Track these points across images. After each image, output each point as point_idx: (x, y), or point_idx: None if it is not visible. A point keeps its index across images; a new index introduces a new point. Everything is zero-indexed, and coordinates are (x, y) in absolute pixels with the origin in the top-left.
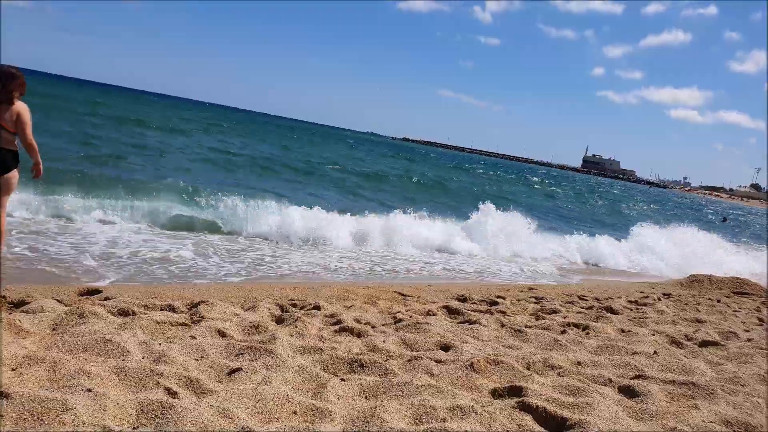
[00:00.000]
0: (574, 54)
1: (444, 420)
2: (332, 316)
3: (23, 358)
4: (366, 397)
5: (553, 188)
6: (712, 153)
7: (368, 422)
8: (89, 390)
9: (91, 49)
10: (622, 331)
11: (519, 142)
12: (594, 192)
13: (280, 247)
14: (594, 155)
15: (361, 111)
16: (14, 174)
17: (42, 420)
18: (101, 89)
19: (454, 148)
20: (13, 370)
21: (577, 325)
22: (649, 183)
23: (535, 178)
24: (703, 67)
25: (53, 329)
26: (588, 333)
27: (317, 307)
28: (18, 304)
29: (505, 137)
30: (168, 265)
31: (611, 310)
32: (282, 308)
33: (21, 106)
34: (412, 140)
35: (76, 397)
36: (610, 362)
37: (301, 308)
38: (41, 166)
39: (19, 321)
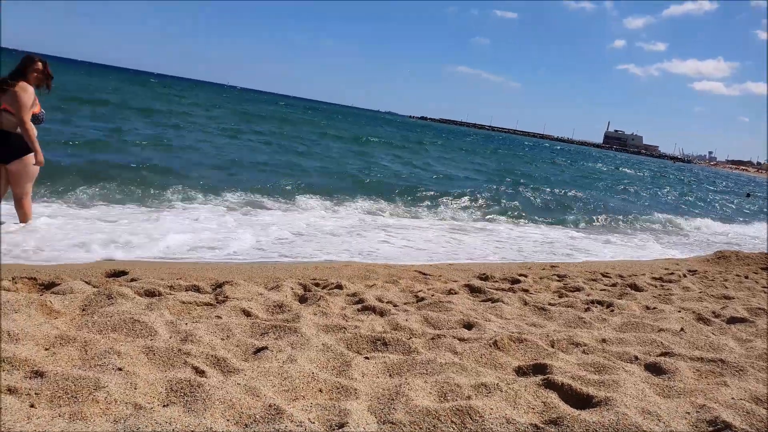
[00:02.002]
0: (593, 26)
1: (469, 397)
2: (354, 295)
3: (55, 338)
4: (390, 375)
5: (623, 169)
6: (739, 126)
7: (393, 400)
8: (120, 369)
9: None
10: (647, 308)
11: (539, 119)
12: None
13: None
14: (616, 131)
15: (378, 91)
16: (25, 159)
17: (76, 398)
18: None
19: (474, 125)
20: (46, 349)
21: (600, 303)
22: (673, 158)
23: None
24: (729, 37)
25: (83, 310)
26: (612, 310)
27: (339, 287)
28: (48, 286)
29: (525, 114)
30: None
31: (635, 287)
32: (305, 287)
33: (19, 86)
34: (431, 119)
35: (108, 375)
36: (635, 339)
37: (324, 287)
38: (41, 157)
39: (50, 302)
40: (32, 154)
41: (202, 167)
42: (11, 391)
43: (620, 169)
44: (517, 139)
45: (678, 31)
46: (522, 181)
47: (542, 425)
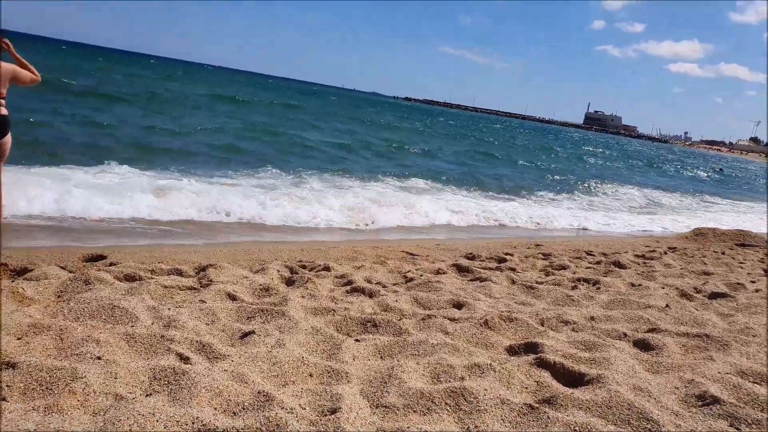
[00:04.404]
0: (573, 7)
1: (463, 378)
2: (342, 276)
3: (28, 326)
4: (381, 357)
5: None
6: (713, 107)
7: (386, 382)
8: (99, 357)
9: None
10: (632, 285)
11: (521, 99)
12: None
13: None
14: (596, 111)
15: (362, 71)
16: (7, 139)
17: (51, 390)
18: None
19: (458, 107)
20: (18, 339)
21: (587, 280)
22: (651, 138)
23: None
24: (704, 19)
25: (58, 296)
26: (599, 288)
27: (327, 268)
28: (20, 272)
29: (508, 94)
30: None
31: (619, 265)
32: (291, 270)
33: (8, 66)
34: (415, 99)
35: (86, 365)
36: (623, 317)
37: (311, 269)
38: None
39: (23, 289)
40: (9, 134)
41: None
42: None
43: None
44: (501, 120)
45: (656, 13)
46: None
47: (536, 404)
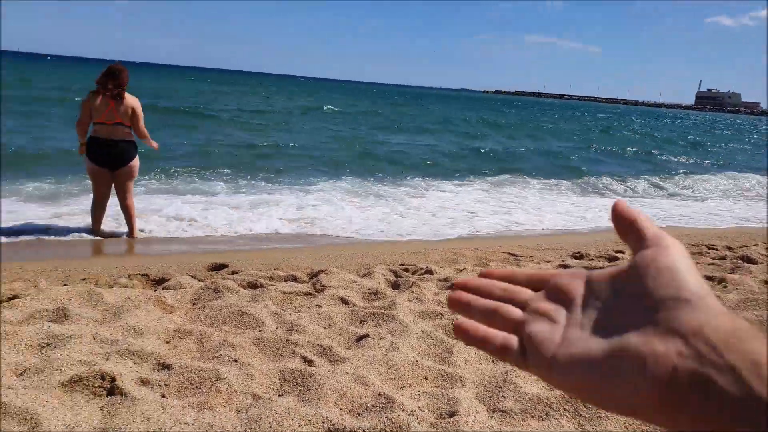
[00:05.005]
0: None
1: None
2: (446, 280)
3: (174, 331)
4: (493, 362)
5: None
6: None
7: (501, 387)
8: (235, 360)
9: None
10: (766, 282)
11: (619, 84)
12: None
13: None
14: (709, 90)
15: (446, 68)
16: (136, 162)
17: (200, 388)
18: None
19: (552, 96)
20: (167, 342)
21: (711, 278)
22: None
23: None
24: None
25: (194, 304)
26: (725, 286)
27: (429, 272)
28: (159, 281)
29: (604, 80)
30: None
31: (748, 260)
32: (396, 273)
33: (133, 101)
34: (506, 92)
35: (226, 367)
36: (756, 318)
37: (413, 273)
38: (155, 144)
39: (164, 297)
40: (137, 157)
41: None
42: (143, 382)
43: None
44: (600, 107)
45: None
46: None
47: None
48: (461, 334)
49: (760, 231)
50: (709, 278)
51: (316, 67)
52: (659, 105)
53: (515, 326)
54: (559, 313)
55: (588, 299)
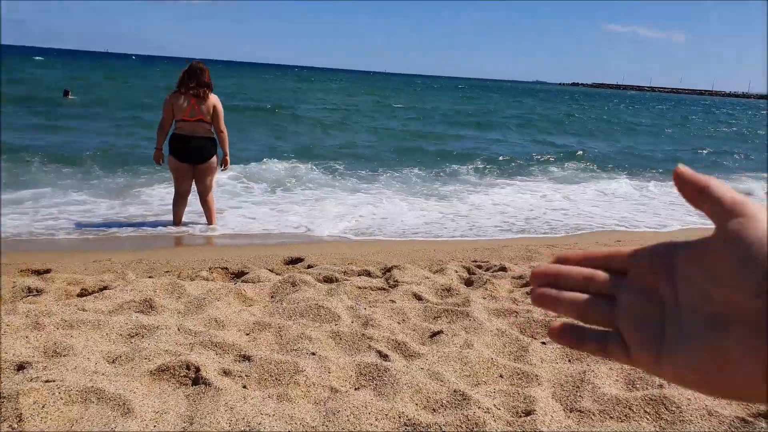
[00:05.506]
0: None
1: (661, 386)
2: (520, 277)
3: (253, 324)
4: (570, 361)
5: None
6: None
7: (578, 387)
8: (313, 353)
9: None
10: None
11: (708, 72)
12: None
13: None
14: None
15: (520, 60)
16: (215, 159)
17: (279, 380)
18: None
19: (631, 87)
20: (247, 335)
21: None
22: None
23: None
24: None
25: (272, 297)
26: None
27: (503, 269)
28: (238, 275)
29: (686, 69)
30: None
31: None
32: (468, 270)
33: (215, 99)
34: (582, 84)
35: (304, 359)
36: None
37: (487, 269)
38: (228, 158)
39: (244, 290)
40: (216, 155)
41: None
42: (226, 373)
43: None
44: (683, 98)
45: None
46: None
47: (750, 418)
48: (558, 337)
49: None
50: None
51: (378, 61)
52: (749, 95)
53: (610, 321)
54: (652, 299)
55: (677, 281)
